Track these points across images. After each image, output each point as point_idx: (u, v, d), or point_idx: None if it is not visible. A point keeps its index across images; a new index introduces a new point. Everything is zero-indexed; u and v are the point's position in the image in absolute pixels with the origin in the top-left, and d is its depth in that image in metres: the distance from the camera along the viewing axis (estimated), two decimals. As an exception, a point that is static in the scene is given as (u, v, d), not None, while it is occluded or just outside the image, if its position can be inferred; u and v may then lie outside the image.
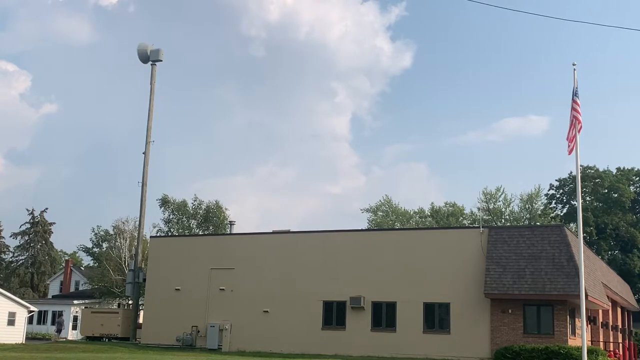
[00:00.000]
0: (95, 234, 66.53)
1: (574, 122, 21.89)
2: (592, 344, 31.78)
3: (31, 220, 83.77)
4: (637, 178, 74.31)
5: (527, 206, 61.99)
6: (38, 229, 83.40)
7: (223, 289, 35.53)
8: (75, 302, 59.64)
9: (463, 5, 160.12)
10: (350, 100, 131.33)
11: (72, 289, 71.46)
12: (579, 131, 21.90)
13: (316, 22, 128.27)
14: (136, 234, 45.30)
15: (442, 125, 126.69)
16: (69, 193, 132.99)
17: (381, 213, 65.90)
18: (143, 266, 41.66)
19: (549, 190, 74.06)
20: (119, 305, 56.85)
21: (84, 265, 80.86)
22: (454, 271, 30.96)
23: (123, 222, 58.41)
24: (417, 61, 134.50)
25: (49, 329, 58.13)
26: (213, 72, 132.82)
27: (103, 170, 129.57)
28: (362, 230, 42.36)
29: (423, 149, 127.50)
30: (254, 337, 33.99)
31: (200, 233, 56.70)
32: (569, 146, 21.87)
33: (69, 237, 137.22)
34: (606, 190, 71.98)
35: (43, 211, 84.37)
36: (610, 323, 39.08)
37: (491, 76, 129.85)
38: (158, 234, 55.14)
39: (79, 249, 77.95)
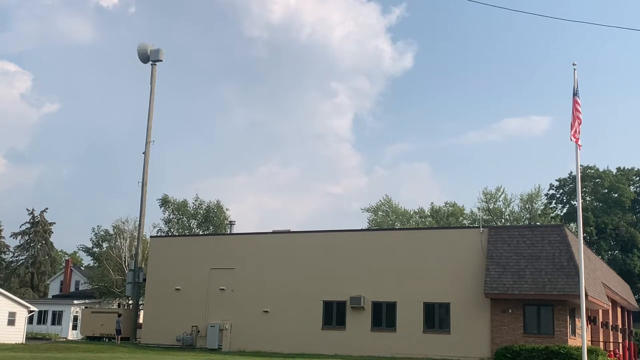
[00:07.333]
0: (95, 234, 66.36)
1: (576, 121, 22.02)
2: (592, 343, 31.77)
3: (31, 220, 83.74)
4: (637, 178, 74.32)
5: (527, 206, 61.92)
6: (38, 229, 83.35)
7: (223, 289, 35.53)
8: (75, 302, 59.63)
9: (463, 6, 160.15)
10: (351, 101, 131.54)
11: (72, 289, 71.45)
12: (579, 131, 22.00)
13: (318, 23, 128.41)
14: (136, 234, 45.30)
15: (443, 125, 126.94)
16: (69, 193, 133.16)
17: (381, 213, 65.86)
18: (143, 266, 41.67)
19: (549, 190, 74.20)
20: (119, 305, 56.83)
21: (84, 265, 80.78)
22: (454, 271, 30.96)
23: (123, 222, 58.43)
24: (418, 61, 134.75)
25: (49, 329, 58.12)
26: (214, 72, 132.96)
27: (103, 170, 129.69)
28: (362, 230, 42.35)
29: (424, 149, 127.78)
30: (254, 337, 34.00)
31: (201, 233, 56.69)
32: (576, 139, 21.95)
33: (69, 237, 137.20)
34: (606, 190, 72.01)
35: (43, 211, 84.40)
36: (610, 323, 39.08)
37: (492, 76, 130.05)
38: (158, 234, 55.13)
39: (79, 249, 77.83)
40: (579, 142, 22.06)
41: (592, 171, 72.01)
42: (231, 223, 46.19)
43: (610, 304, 37.22)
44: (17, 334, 43.88)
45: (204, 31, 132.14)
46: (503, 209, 62.22)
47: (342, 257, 33.47)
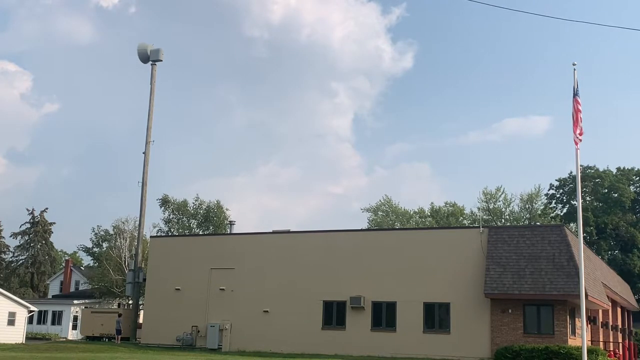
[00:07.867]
0: (95, 234, 66.49)
1: (578, 121, 22.08)
2: (592, 343, 31.77)
3: (31, 220, 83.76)
4: (637, 178, 74.35)
5: (527, 206, 62.01)
6: (38, 229, 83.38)
7: (223, 289, 35.52)
8: (75, 302, 59.62)
9: (463, 6, 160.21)
10: (351, 101, 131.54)
11: (72, 289, 71.42)
12: (580, 132, 22.07)
13: (318, 23, 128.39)
14: (136, 234, 45.30)
15: (443, 125, 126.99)
16: (69, 193, 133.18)
17: (381, 213, 65.94)
18: (143, 266, 41.66)
19: (549, 190, 74.23)
20: (119, 305, 56.83)
21: (84, 265, 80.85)
22: (454, 271, 30.95)
23: (123, 222, 58.46)
24: (418, 62, 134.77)
25: (49, 329, 58.11)
26: (214, 72, 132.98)
27: (103, 170, 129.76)
28: (362, 230, 42.35)
29: (424, 149, 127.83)
30: (254, 337, 33.99)
31: (201, 233, 56.69)
32: (579, 137, 21.99)
33: (69, 237, 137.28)
34: (606, 190, 72.03)
35: (43, 211, 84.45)
36: (610, 323, 39.08)
37: (491, 76, 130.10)
38: (158, 234, 55.12)
39: (79, 249, 77.92)
40: (579, 141, 22.10)
41: (592, 171, 72.03)
42: (231, 223, 46.21)
43: (610, 304, 37.22)
44: (17, 334, 43.89)
45: (204, 31, 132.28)
46: (503, 209, 62.31)
47: (342, 257, 33.45)
